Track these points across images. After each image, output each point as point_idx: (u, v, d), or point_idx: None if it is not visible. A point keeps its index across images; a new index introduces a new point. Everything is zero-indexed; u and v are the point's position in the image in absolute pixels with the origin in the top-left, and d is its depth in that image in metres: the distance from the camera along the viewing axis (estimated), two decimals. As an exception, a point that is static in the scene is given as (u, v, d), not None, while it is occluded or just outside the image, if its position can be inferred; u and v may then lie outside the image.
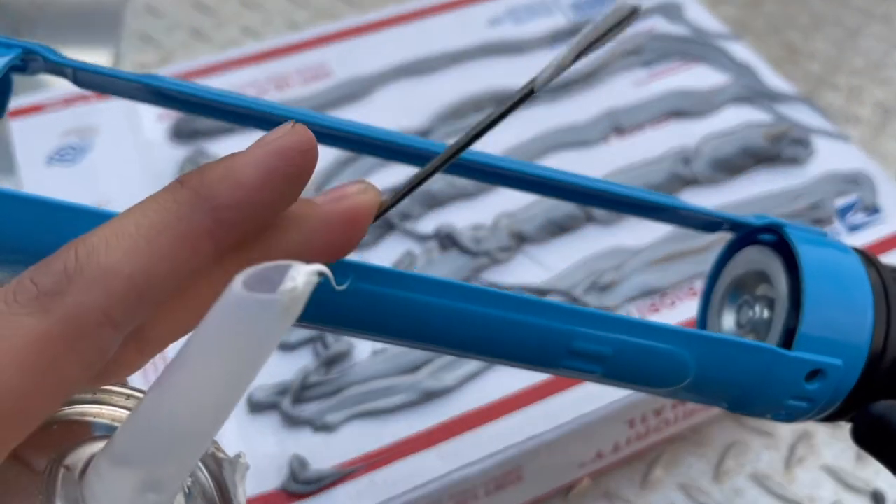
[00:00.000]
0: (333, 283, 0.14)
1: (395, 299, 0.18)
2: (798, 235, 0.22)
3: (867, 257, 0.23)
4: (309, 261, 0.14)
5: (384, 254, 0.36)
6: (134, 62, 0.54)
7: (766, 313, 0.23)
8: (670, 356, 0.20)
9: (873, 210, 0.38)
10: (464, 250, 0.36)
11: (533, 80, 0.17)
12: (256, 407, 0.31)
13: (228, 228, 0.16)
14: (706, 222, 0.23)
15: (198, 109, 0.21)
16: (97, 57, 0.54)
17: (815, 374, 0.21)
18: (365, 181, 0.18)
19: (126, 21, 0.56)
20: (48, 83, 0.51)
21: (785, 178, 0.40)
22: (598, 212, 0.38)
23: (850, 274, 0.22)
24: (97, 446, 0.17)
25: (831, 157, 0.40)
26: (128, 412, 0.18)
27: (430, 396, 0.31)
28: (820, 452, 0.36)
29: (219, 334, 0.14)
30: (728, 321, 0.25)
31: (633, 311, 0.34)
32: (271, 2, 0.59)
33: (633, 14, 0.15)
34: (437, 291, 0.19)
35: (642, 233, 0.37)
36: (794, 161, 0.40)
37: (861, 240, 0.37)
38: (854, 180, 0.39)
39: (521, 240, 0.36)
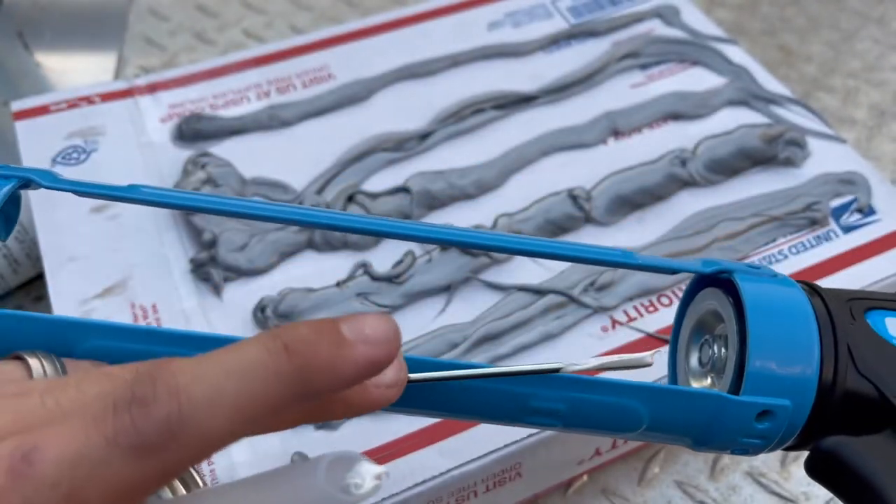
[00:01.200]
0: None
1: None
2: (744, 277, 0.23)
3: (813, 290, 0.24)
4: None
5: (385, 254, 0.36)
6: (137, 65, 0.54)
7: (723, 352, 0.24)
8: (622, 408, 0.22)
9: (869, 211, 0.39)
10: (464, 250, 0.36)
11: (560, 365, 0.21)
12: (259, 405, 0.32)
13: (309, 402, 0.18)
14: (665, 269, 0.24)
15: (186, 209, 0.22)
16: (101, 59, 0.54)
17: (764, 414, 0.22)
18: (403, 371, 0.20)
19: (129, 24, 0.57)
20: (53, 85, 0.52)
21: (781, 179, 0.40)
22: (596, 212, 0.38)
23: (795, 311, 0.23)
24: None
25: (827, 158, 0.41)
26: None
27: (430, 394, 0.32)
28: (815, 450, 0.37)
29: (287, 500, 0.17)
30: (693, 361, 0.26)
31: (632, 311, 0.35)
32: (273, 5, 0.59)
33: (646, 365, 0.21)
34: (413, 367, 0.21)
35: (639, 233, 0.38)
36: (790, 162, 0.40)
37: (856, 241, 0.38)
38: (849, 181, 0.40)
39: (520, 240, 0.37)
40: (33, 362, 0.19)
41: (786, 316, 0.23)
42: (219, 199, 0.22)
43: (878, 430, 0.22)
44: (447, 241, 0.23)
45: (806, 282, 0.24)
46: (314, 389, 0.17)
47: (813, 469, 0.23)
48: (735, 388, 0.22)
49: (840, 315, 0.23)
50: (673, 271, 0.24)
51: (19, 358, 0.19)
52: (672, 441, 0.23)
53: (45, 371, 0.18)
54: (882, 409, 0.22)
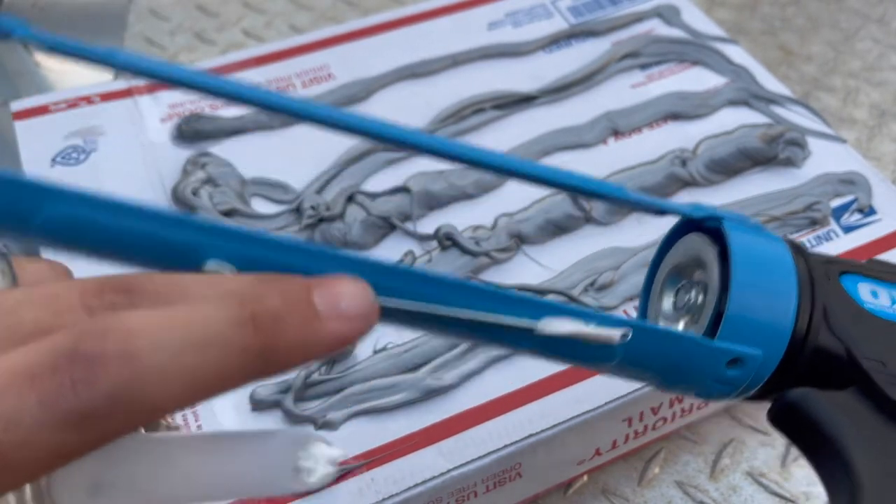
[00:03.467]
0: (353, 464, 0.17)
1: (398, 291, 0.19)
2: (733, 226, 0.23)
3: (797, 248, 0.24)
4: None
5: (385, 254, 0.36)
6: (136, 64, 0.54)
7: (700, 298, 0.24)
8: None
9: (869, 211, 0.39)
10: (464, 251, 0.36)
11: (533, 326, 0.20)
12: (259, 405, 0.31)
13: (270, 377, 0.16)
14: (654, 208, 0.24)
15: (165, 81, 0.21)
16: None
17: (735, 361, 0.22)
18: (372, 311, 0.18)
19: (129, 24, 0.57)
20: (52, 85, 0.52)
21: (781, 179, 0.40)
22: (596, 212, 0.38)
23: (778, 264, 0.23)
24: None
25: (827, 158, 0.41)
26: None
27: (430, 394, 0.32)
28: (815, 450, 0.37)
29: (244, 476, 0.16)
30: (667, 303, 0.26)
31: (632, 311, 0.35)
32: (273, 5, 0.59)
33: (612, 342, 0.21)
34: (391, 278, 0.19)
35: (640, 233, 0.38)
36: (791, 162, 0.40)
37: (856, 240, 0.38)
38: (850, 181, 0.40)
39: (520, 240, 0.37)
40: None
41: (769, 269, 0.23)
42: (199, 74, 0.20)
43: (842, 388, 0.23)
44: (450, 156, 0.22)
45: (791, 239, 0.25)
46: (278, 367, 0.16)
47: (775, 418, 0.24)
48: (710, 333, 0.23)
49: (819, 275, 0.24)
50: (662, 211, 0.24)
51: None
52: (640, 378, 0.23)
53: None
54: (849, 368, 0.23)
